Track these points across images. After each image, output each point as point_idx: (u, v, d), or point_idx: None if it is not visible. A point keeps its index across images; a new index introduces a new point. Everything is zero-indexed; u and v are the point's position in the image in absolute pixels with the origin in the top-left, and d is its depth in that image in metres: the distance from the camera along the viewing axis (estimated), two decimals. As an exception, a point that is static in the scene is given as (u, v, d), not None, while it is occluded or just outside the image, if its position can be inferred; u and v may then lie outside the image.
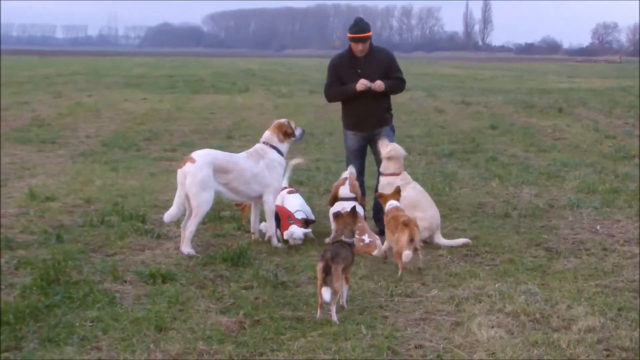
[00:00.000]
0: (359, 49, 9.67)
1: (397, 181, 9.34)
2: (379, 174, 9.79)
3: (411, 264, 8.04)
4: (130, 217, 10.09)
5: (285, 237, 9.21)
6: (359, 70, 9.71)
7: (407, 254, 7.90)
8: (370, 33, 9.71)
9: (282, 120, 9.68)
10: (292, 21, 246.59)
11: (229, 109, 26.69)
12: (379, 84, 9.61)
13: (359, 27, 9.68)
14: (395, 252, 8.16)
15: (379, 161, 9.89)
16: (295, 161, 11.03)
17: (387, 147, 9.64)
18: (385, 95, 9.89)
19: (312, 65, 75.04)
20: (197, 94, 33.43)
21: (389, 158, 9.59)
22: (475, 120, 23.64)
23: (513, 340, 6.15)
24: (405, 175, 9.65)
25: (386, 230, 8.52)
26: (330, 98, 10.16)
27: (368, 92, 9.63)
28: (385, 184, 9.44)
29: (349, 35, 9.72)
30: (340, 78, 9.88)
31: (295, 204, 9.85)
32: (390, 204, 8.69)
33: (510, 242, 9.32)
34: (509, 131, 20.77)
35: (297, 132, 9.65)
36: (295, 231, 9.18)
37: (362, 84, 9.55)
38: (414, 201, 9.32)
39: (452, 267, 8.30)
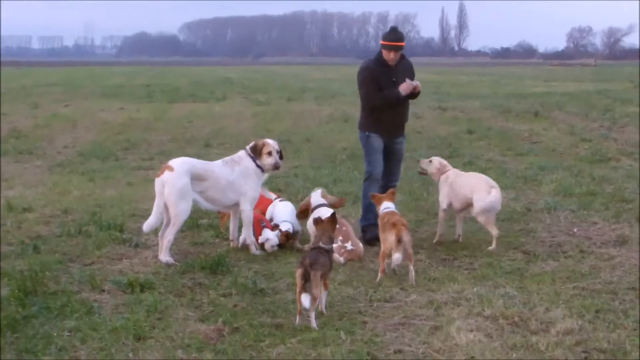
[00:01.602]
0: (391, 57, 9.67)
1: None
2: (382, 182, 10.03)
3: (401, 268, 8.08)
4: (108, 226, 10.05)
5: (260, 241, 9.21)
6: (394, 79, 9.72)
7: (397, 256, 7.87)
8: (404, 43, 9.77)
9: (268, 140, 9.51)
10: (269, 29, 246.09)
11: (206, 117, 26.62)
12: (418, 84, 9.80)
13: (396, 35, 9.70)
14: (380, 253, 8.16)
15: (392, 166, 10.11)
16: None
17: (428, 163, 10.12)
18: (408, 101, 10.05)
19: (290, 73, 75.12)
20: (175, 103, 33.29)
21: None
22: (453, 125, 23.70)
23: (492, 344, 6.18)
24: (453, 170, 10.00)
25: (381, 235, 8.41)
26: (375, 106, 9.87)
27: (403, 98, 9.78)
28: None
29: (384, 42, 9.70)
30: (378, 84, 9.77)
31: (285, 212, 9.80)
32: (385, 207, 8.68)
33: (488, 246, 9.35)
34: (486, 136, 20.85)
35: (268, 159, 9.25)
36: (270, 237, 9.17)
37: (408, 85, 9.63)
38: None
39: (431, 272, 8.33)
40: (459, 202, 9.63)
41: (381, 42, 9.78)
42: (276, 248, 9.18)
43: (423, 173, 10.22)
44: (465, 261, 8.80)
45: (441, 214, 9.78)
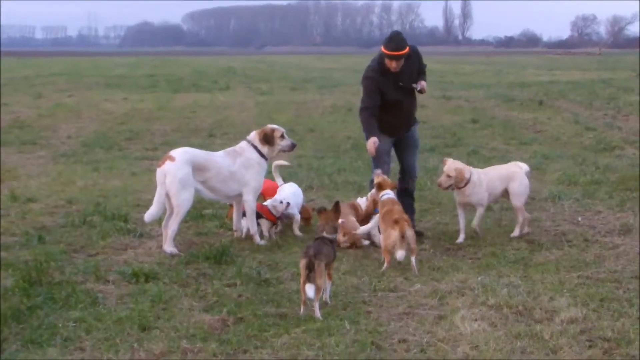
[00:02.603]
0: (393, 66, 9.10)
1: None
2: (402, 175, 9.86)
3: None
4: (113, 217, 10.06)
5: (271, 203, 9.40)
6: (401, 83, 9.29)
7: (400, 254, 7.87)
8: (407, 49, 9.11)
9: (272, 125, 9.56)
10: (272, 18, 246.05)
11: (210, 107, 26.60)
12: (423, 86, 9.45)
13: (397, 44, 9.06)
14: (383, 248, 8.16)
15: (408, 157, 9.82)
16: (279, 162, 10.54)
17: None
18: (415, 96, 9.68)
19: (292, 63, 74.97)
20: (178, 93, 33.26)
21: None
22: (456, 114, 23.66)
23: (496, 333, 6.18)
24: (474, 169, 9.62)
25: (380, 224, 8.42)
26: (361, 122, 9.50)
27: (404, 100, 9.41)
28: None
29: (385, 51, 9.07)
30: (381, 92, 9.25)
31: (288, 193, 9.78)
32: (385, 193, 8.66)
33: (493, 235, 9.38)
34: (490, 125, 20.80)
35: (283, 142, 9.41)
36: (276, 197, 9.42)
37: (371, 146, 9.09)
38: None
39: (435, 261, 8.32)
40: (493, 196, 9.63)
41: (382, 49, 9.18)
42: (288, 204, 9.39)
43: (448, 187, 9.46)
44: (470, 250, 8.80)
45: (482, 211, 9.51)
